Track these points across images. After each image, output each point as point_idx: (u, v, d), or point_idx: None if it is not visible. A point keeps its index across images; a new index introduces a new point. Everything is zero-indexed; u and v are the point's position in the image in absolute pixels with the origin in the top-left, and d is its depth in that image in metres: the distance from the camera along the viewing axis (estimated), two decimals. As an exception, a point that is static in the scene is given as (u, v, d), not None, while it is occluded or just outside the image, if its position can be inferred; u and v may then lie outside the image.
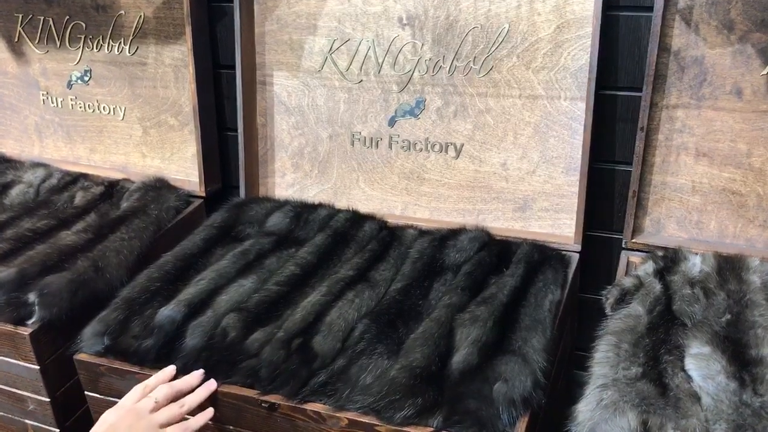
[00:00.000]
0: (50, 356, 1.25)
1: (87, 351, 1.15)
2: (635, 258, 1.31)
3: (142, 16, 1.60)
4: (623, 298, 1.15)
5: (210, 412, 1.05)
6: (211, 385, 1.05)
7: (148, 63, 1.63)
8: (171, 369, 1.08)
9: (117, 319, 1.17)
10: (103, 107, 1.72)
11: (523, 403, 0.96)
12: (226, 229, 1.42)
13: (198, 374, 1.06)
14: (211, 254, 1.35)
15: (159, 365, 1.10)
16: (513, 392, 0.96)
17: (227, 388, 1.06)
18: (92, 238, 1.39)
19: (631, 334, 1.04)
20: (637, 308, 1.10)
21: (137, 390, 1.03)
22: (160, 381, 1.05)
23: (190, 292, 1.20)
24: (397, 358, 1.04)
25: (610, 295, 1.16)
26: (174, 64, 1.60)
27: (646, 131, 1.26)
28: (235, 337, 1.11)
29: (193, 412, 1.03)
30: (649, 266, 1.21)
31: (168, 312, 1.15)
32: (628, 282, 1.17)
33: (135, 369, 1.12)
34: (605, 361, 0.99)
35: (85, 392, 1.18)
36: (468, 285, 1.19)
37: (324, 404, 1.01)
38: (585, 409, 0.93)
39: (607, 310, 1.15)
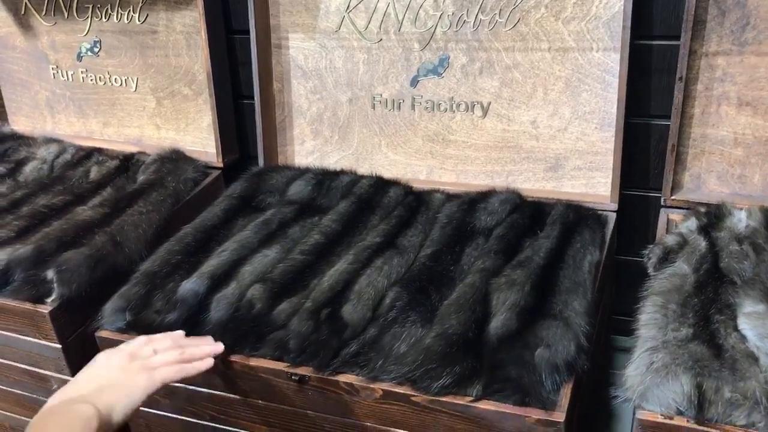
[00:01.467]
0: (72, 334, 1.21)
1: (108, 328, 1.11)
2: (676, 215, 1.25)
3: (151, -18, 1.54)
4: (666, 257, 1.09)
5: (209, 362, 0.96)
6: (218, 347, 0.98)
7: (159, 31, 1.57)
8: (180, 332, 1.01)
9: (138, 294, 1.13)
10: (115, 79, 1.67)
11: (567, 369, 0.91)
12: (247, 199, 1.37)
13: (207, 338, 1.00)
14: (232, 225, 1.30)
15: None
16: (556, 357, 0.91)
17: (255, 362, 1.02)
18: (109, 213, 1.35)
19: (678, 294, 0.98)
20: (682, 267, 1.04)
21: (140, 339, 0.97)
22: (163, 337, 0.99)
23: (212, 264, 1.16)
24: (432, 325, 0.99)
25: (652, 254, 1.10)
26: (185, 31, 1.55)
27: (684, 81, 1.19)
28: (261, 309, 1.07)
29: None
30: (692, 223, 1.15)
31: (191, 285, 1.11)
32: (670, 240, 1.11)
33: (159, 344, 1.08)
34: (653, 323, 0.94)
35: (109, 370, 1.14)
36: (501, 248, 1.14)
37: (357, 375, 0.96)
38: (634, 373, 0.87)
39: (650, 270, 1.09)
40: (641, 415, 0.85)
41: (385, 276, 1.10)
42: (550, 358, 0.91)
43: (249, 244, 1.21)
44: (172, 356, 0.94)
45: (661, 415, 0.84)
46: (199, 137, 1.64)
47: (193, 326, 1.07)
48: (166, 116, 1.66)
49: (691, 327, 0.91)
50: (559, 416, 0.87)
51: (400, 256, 1.15)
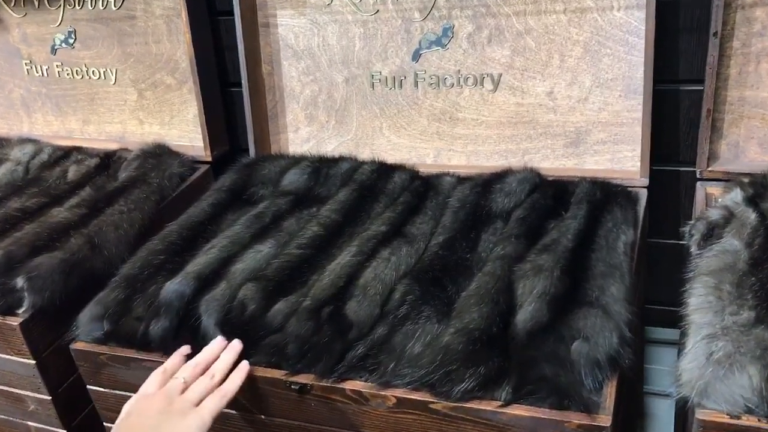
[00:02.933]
0: (47, 348, 1.09)
1: (85, 338, 0.99)
2: (715, 189, 1.12)
3: (126, -37, 1.42)
4: (711, 233, 0.96)
5: (244, 367, 0.87)
6: (237, 346, 0.89)
7: (137, 16, 1.45)
8: (185, 349, 0.91)
9: (117, 299, 1.01)
10: (93, 72, 1.55)
11: (609, 364, 0.79)
12: (237, 192, 1.24)
13: (219, 341, 0.90)
14: (221, 220, 1.17)
15: (169, 349, 0.93)
16: (596, 351, 0.78)
17: (249, 370, 0.89)
18: (87, 213, 1.23)
19: (732, 273, 0.85)
20: (732, 242, 0.91)
21: (156, 375, 0.86)
22: (178, 362, 0.89)
23: (199, 262, 1.03)
24: (449, 320, 0.86)
25: (694, 231, 0.97)
26: (165, 15, 1.42)
27: (720, 37, 1.06)
28: (255, 310, 0.94)
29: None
30: (737, 194, 1.01)
31: (175, 286, 0.99)
32: (715, 214, 0.98)
33: (141, 355, 0.95)
34: (706, 307, 0.81)
35: (87, 386, 1.02)
36: (523, 232, 1.01)
37: (365, 381, 0.83)
38: (691, 366, 0.74)
39: (693, 249, 0.96)
40: (703, 414, 0.72)
41: (393, 268, 0.98)
42: (589, 352, 0.78)
43: (240, 239, 1.09)
44: (205, 384, 0.85)
45: (727, 414, 0.71)
46: (185, 130, 1.51)
47: (180, 333, 0.95)
48: (149, 109, 1.53)
49: (753, 309, 0.78)
50: (605, 420, 0.75)
51: (409, 245, 1.03)
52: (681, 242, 1.29)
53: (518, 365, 0.79)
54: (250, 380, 0.88)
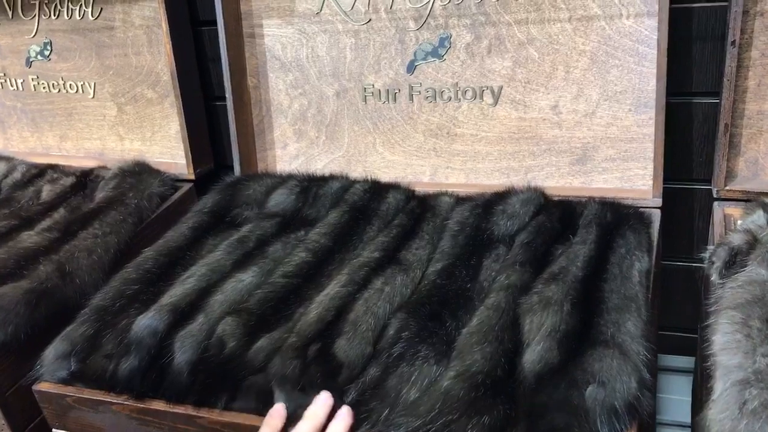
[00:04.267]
0: (10, 387, 1.01)
1: (49, 378, 0.90)
2: (733, 209, 1.04)
3: (103, -30, 1.34)
4: (734, 260, 0.88)
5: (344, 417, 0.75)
6: (347, 416, 0.76)
7: (116, 27, 1.37)
8: (280, 409, 0.78)
9: (85, 334, 0.92)
10: (70, 85, 1.47)
11: (628, 411, 0.70)
12: (219, 214, 1.16)
13: (323, 400, 0.77)
14: (201, 245, 1.09)
15: (140, 390, 0.85)
16: (614, 398, 0.70)
17: (228, 416, 0.81)
18: (59, 238, 1.14)
19: (761, 307, 0.77)
20: (759, 271, 0.82)
21: None
22: (275, 429, 0.77)
23: (175, 293, 0.95)
24: (449, 362, 0.78)
25: (716, 258, 0.89)
26: (146, 25, 1.34)
27: (738, 46, 0.99)
28: (235, 348, 0.86)
29: None
30: (760, 217, 0.93)
31: (147, 321, 0.90)
32: (737, 239, 0.90)
33: (110, 398, 0.87)
34: (734, 347, 0.73)
35: (53, 430, 0.94)
36: (528, 258, 0.93)
37: None
38: (721, 417, 0.66)
39: (714, 277, 0.88)
40: (737, 473, 0.64)
41: (387, 299, 0.89)
42: (605, 398, 0.70)
43: (220, 267, 1.00)
44: None
45: (766, 474, 0.63)
46: (167, 146, 1.43)
47: (151, 373, 0.86)
48: (129, 125, 1.45)
49: (788, 350, 0.70)
50: (625, 477, 0.66)
51: (405, 273, 0.94)
52: (694, 264, 1.22)
53: (527, 414, 0.71)
54: (229, 428, 0.80)
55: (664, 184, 1.14)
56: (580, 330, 0.78)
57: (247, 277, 0.97)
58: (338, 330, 0.84)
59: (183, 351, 0.87)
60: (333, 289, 0.91)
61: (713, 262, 0.89)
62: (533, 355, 0.76)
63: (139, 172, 1.33)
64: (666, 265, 1.24)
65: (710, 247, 0.92)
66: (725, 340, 0.74)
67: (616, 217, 1.00)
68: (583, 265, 0.89)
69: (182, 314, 0.91)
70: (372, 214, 1.09)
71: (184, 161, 1.37)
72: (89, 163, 1.46)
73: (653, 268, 0.93)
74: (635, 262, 0.90)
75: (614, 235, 0.95)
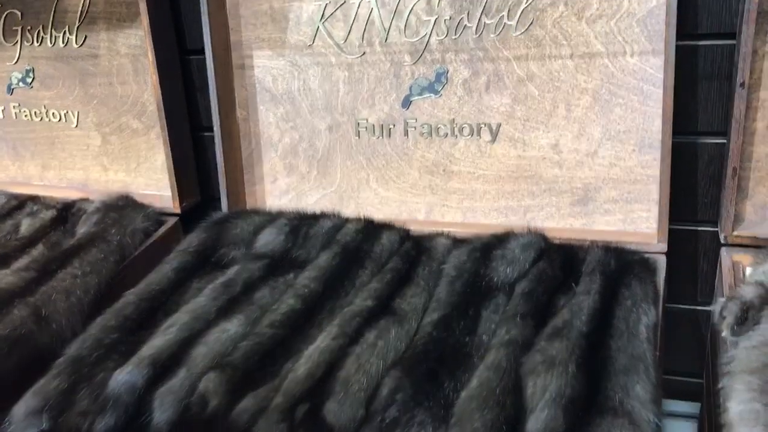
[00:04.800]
0: (-21, 442, 0.95)
1: (19, 437, 0.85)
2: (742, 256, 0.99)
3: (88, -3, 1.29)
4: (746, 316, 0.83)
5: None
6: None
7: (101, 55, 1.33)
8: None
9: (59, 388, 0.86)
10: (53, 113, 1.42)
11: (639, 489, 0.65)
12: (205, 254, 1.11)
13: None
14: (185, 289, 1.04)
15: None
16: (624, 474, 0.65)
17: (209, 484, 0.75)
18: (36, 278, 1.08)
19: (778, 371, 0.72)
20: (774, 331, 0.78)
21: None
22: None
23: (156, 344, 0.89)
24: (447, 427, 0.73)
25: (726, 313, 0.85)
26: (131, 53, 1.30)
27: (747, 88, 0.95)
28: (218, 407, 0.80)
29: None
30: (772, 267, 0.89)
31: (125, 376, 0.84)
32: (749, 292, 0.85)
33: (84, 460, 0.81)
34: (753, 417, 0.68)
35: (23, 492, 0.88)
36: (529, 310, 0.88)
37: (346, 505, 0.70)
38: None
39: (726, 333, 0.84)
40: None
41: (380, 355, 0.84)
42: (615, 474, 0.65)
43: (204, 314, 0.95)
44: None
45: None
46: (153, 178, 1.38)
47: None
48: (113, 155, 1.40)
49: (811, 423, 0.66)
50: None
51: (399, 325, 0.89)
52: (699, 308, 1.18)
53: (530, 490, 0.66)
54: (210, 497, 0.74)
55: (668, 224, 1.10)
56: (586, 395, 0.73)
57: (232, 327, 0.92)
58: (328, 389, 0.79)
59: (163, 409, 0.81)
60: (323, 342, 0.86)
61: (724, 317, 0.85)
62: (537, 423, 0.71)
63: (122, 206, 1.28)
64: (669, 307, 1.19)
65: (720, 300, 0.88)
66: (742, 409, 0.70)
67: (620, 265, 0.95)
68: (587, 319, 0.84)
69: (163, 368, 0.86)
70: (365, 257, 1.04)
71: (169, 194, 1.33)
72: (72, 194, 1.41)
73: (660, 321, 0.89)
74: (642, 316, 0.85)
75: (619, 284, 0.91)
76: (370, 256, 1.04)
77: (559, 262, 0.98)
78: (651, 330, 0.84)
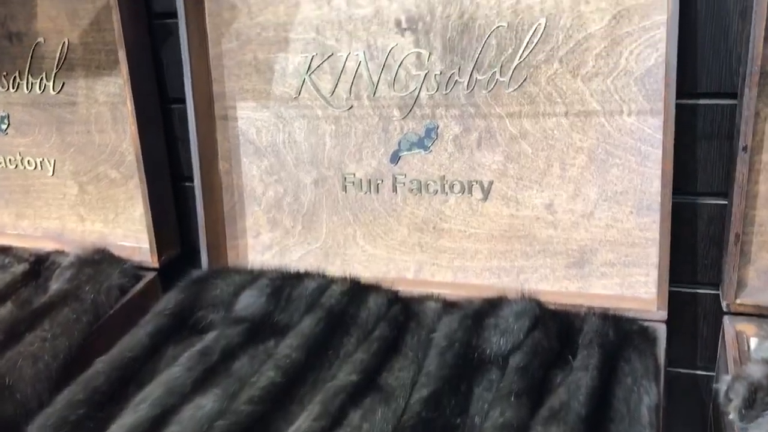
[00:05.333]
0: None
1: None
2: (746, 325, 0.95)
3: (66, 43, 1.25)
4: (754, 397, 0.78)
5: None
6: None
7: (78, 102, 1.28)
8: None
9: (19, 473, 0.81)
10: (28, 161, 1.36)
11: None
12: (182, 317, 1.05)
13: None
14: (159, 356, 0.98)
15: None
16: None
17: None
18: (1, 341, 1.03)
19: (792, 466, 0.68)
20: (786, 417, 0.73)
21: None
22: None
23: (126, 423, 0.83)
24: None
25: (733, 394, 0.80)
26: (110, 102, 1.25)
27: (749, 151, 0.91)
28: (190, 497, 0.75)
29: None
30: (779, 342, 0.85)
31: (91, 461, 0.79)
32: (756, 371, 0.81)
33: None
34: None
35: None
36: (524, 388, 0.83)
37: None
38: None
39: (733, 416, 0.79)
40: None
41: (366, 439, 0.79)
42: None
43: (179, 387, 0.89)
44: None
45: None
46: (131, 230, 1.33)
47: None
48: (90, 205, 1.35)
49: None
50: None
51: (386, 404, 0.84)
52: (699, 372, 1.13)
53: None
54: None
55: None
56: (586, 490, 0.68)
57: (208, 403, 0.86)
58: (309, 480, 0.74)
59: (130, 498, 0.76)
60: (304, 422, 0.81)
61: (730, 399, 0.80)
62: None
63: (98, 261, 1.22)
64: (669, 371, 1.14)
65: (725, 378, 0.83)
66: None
67: (619, 336, 0.90)
68: (585, 399, 0.79)
69: (132, 451, 0.80)
70: (350, 323, 0.99)
71: (148, 246, 1.27)
72: (47, 244, 1.35)
73: (661, 400, 0.84)
74: (643, 396, 0.80)
75: (618, 359, 0.86)
76: (355, 321, 0.99)
77: (554, 331, 0.93)
78: (653, 412, 0.79)
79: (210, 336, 0.99)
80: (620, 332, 0.91)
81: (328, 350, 0.95)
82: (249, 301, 1.05)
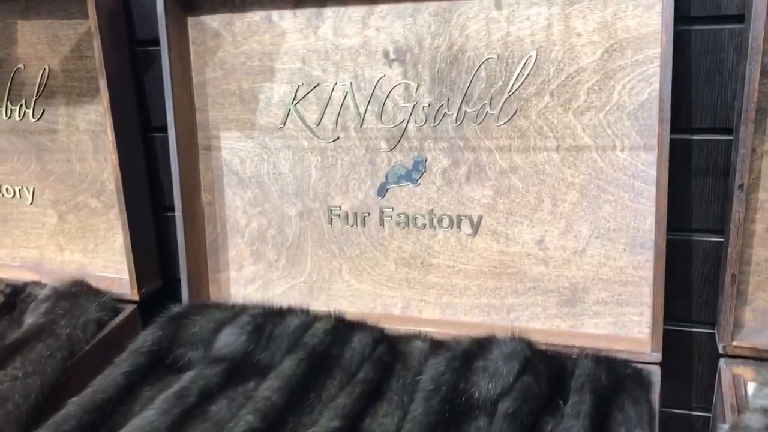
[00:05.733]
0: None
1: None
2: (743, 369, 0.92)
3: (47, 70, 1.22)
4: (752, 449, 0.75)
5: None
6: None
7: (59, 130, 1.25)
8: None
9: None
10: (6, 189, 1.33)
11: None
12: (159, 355, 1.01)
13: None
14: (134, 397, 0.94)
15: None
16: None
17: None
18: (-30, 380, 0.99)
19: None
20: (786, 472, 0.70)
21: None
22: None
23: (94, 471, 0.79)
24: None
25: (731, 445, 0.77)
26: (91, 129, 1.22)
27: (746, 189, 0.88)
28: None
29: None
30: (777, 389, 0.82)
31: None
32: (755, 421, 0.78)
33: None
34: None
35: None
36: (513, 437, 0.79)
37: None
38: None
39: (730, 468, 0.76)
40: None
41: (346, 494, 0.75)
42: None
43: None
44: None
45: None
46: (111, 260, 1.29)
47: None
48: (70, 234, 1.31)
49: None
50: None
51: (368, 454, 0.80)
52: (694, 413, 1.10)
53: None
54: None
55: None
56: None
57: (182, 450, 0.82)
58: None
59: None
60: (282, 473, 0.77)
61: (728, 450, 0.77)
62: None
63: (75, 294, 1.18)
64: (663, 411, 1.11)
65: (723, 427, 0.80)
66: None
67: (611, 380, 0.87)
68: (577, 451, 0.76)
69: (100, 504, 0.76)
70: (333, 364, 0.95)
71: (128, 277, 1.24)
72: (25, 274, 1.31)
73: (657, 450, 0.80)
74: (638, 446, 0.77)
75: (611, 405, 0.83)
76: (339, 362, 0.95)
77: (545, 375, 0.89)
78: (648, 464, 0.76)
79: (187, 376, 0.95)
80: (613, 376, 0.88)
81: (309, 393, 0.91)
82: (229, 340, 1.01)
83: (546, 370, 0.90)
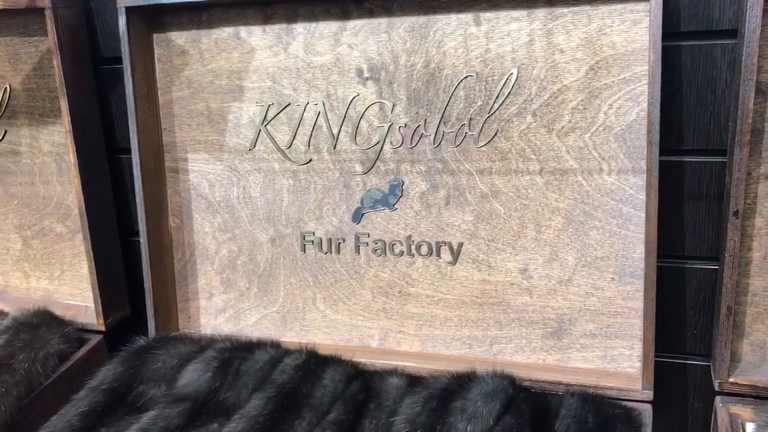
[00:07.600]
0: None
1: None
2: (741, 409, 0.86)
3: (8, 89, 1.16)
4: (752, 501, 0.69)
5: None
6: None
7: (22, 152, 1.19)
8: None
9: None
10: (-31, 213, 1.27)
11: None
12: (119, 393, 0.95)
13: None
14: (90, 441, 0.88)
15: None
16: None
17: None
18: None
19: None
20: None
21: None
22: None
23: None
24: None
25: (728, 497, 0.71)
26: (55, 152, 1.17)
27: (741, 216, 0.83)
28: None
29: None
30: (777, 432, 0.76)
31: None
32: (753, 470, 0.72)
33: None
34: None
35: None
36: (492, 489, 0.73)
37: None
38: None
39: None
40: None
41: None
42: None
43: (105, 482, 0.79)
44: None
45: None
46: (78, 287, 1.23)
47: None
48: (35, 261, 1.25)
49: None
50: None
51: (334, 507, 0.74)
52: (690, 450, 1.03)
53: None
54: None
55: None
56: None
57: (134, 503, 0.76)
58: None
59: None
60: None
61: (725, 503, 0.70)
62: None
63: (36, 324, 1.12)
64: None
65: (719, 476, 0.74)
66: None
67: (599, 421, 0.81)
68: (560, 505, 0.69)
69: None
70: (303, 403, 0.89)
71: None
72: (-12, 303, 1.25)
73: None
74: (627, 501, 0.70)
75: (599, 451, 0.77)
76: (309, 402, 0.89)
77: (528, 416, 0.83)
78: None
79: (147, 417, 0.89)
80: (601, 417, 0.82)
81: (276, 436, 0.85)
82: (193, 377, 0.95)
83: (529, 410, 0.84)
